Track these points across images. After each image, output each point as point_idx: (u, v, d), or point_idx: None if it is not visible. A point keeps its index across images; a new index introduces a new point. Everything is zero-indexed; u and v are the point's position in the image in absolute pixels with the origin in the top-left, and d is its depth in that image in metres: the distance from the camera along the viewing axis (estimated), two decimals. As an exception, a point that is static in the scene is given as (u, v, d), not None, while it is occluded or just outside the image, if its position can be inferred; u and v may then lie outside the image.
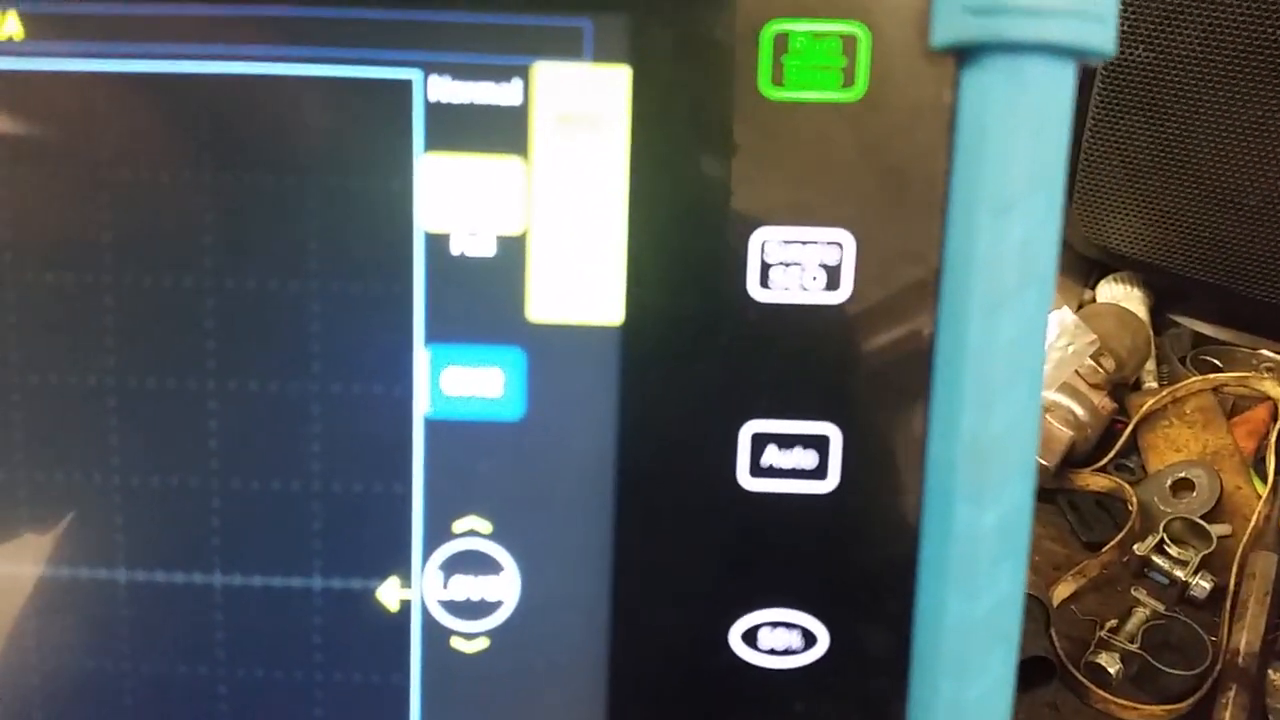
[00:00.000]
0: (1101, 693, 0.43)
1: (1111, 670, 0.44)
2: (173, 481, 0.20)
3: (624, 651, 0.21)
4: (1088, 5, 0.18)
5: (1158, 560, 0.49)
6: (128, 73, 0.19)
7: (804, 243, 0.19)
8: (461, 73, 0.19)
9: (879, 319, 0.19)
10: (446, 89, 0.19)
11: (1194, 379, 0.59)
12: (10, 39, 0.19)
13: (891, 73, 0.19)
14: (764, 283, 0.19)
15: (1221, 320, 0.66)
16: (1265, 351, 0.63)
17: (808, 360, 0.20)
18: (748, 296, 0.20)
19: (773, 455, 0.20)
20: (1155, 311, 0.65)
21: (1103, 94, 0.59)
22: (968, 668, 0.20)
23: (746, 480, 0.20)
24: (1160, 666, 0.44)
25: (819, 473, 0.20)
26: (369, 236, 0.20)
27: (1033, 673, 0.43)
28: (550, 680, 0.21)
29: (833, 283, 0.19)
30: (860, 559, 0.20)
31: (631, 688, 0.21)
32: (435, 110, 0.19)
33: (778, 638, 0.20)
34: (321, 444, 0.20)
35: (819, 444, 0.20)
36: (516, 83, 0.19)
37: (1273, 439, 0.55)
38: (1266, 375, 0.60)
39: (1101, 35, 0.18)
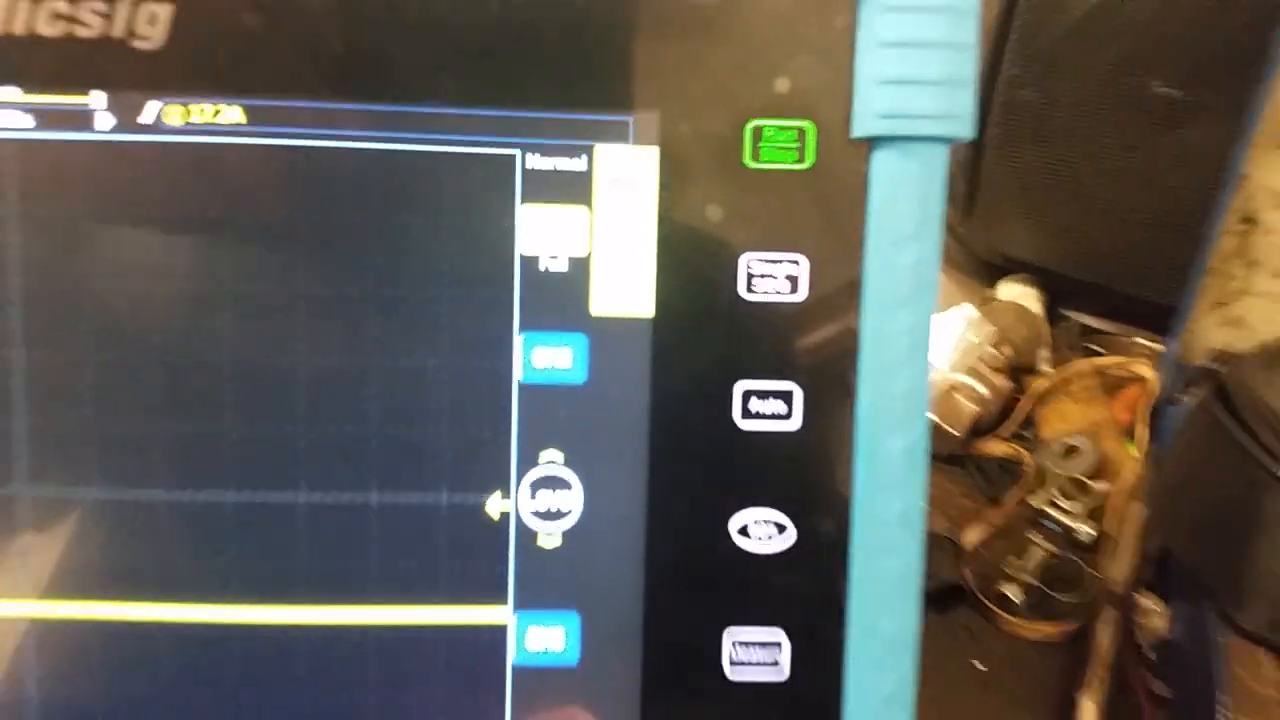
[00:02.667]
0: (1006, 615, 0.53)
1: (1014, 598, 0.54)
2: (347, 430, 0.29)
3: (655, 543, 0.30)
4: (954, 109, 0.28)
5: (1050, 511, 0.59)
6: (325, 147, 0.28)
7: (774, 262, 0.29)
8: (547, 151, 0.28)
9: (825, 313, 0.29)
10: (538, 161, 0.28)
11: (1080, 362, 0.70)
12: (237, 124, 0.28)
13: (829, 152, 0.28)
14: (749, 288, 0.29)
15: (1104, 314, 0.77)
16: (1140, 340, 0.74)
17: (779, 340, 0.29)
18: (738, 297, 0.29)
19: (756, 404, 0.29)
20: (1048, 307, 0.76)
21: (999, 127, 0.70)
22: (889, 549, 0.30)
23: (739, 421, 0.29)
24: (1052, 594, 0.54)
25: (787, 416, 0.30)
26: (484, 258, 0.29)
27: (948, 598, 0.53)
28: (604, 565, 0.30)
29: (795, 289, 0.29)
30: (815, 474, 0.30)
31: (661, 568, 0.30)
32: (530, 175, 0.29)
33: (761, 530, 0.30)
34: (449, 401, 0.29)
35: (787, 397, 0.29)
36: (583, 157, 0.29)
37: (1144, 412, 0.65)
38: (1141, 359, 0.71)
39: (964, 127, 0.28)
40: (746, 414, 0.29)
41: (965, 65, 0.28)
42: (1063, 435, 0.65)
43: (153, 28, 0.28)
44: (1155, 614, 0.53)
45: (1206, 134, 0.65)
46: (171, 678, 0.30)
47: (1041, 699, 0.49)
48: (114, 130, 0.28)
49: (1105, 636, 0.51)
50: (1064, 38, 0.66)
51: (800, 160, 0.28)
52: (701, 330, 0.29)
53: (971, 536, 0.58)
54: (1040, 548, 0.57)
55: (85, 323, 0.29)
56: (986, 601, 0.53)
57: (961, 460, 0.64)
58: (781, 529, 0.30)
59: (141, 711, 0.30)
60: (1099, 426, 0.66)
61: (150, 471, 0.29)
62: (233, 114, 0.28)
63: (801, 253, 0.29)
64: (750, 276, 0.29)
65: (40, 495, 0.29)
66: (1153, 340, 0.73)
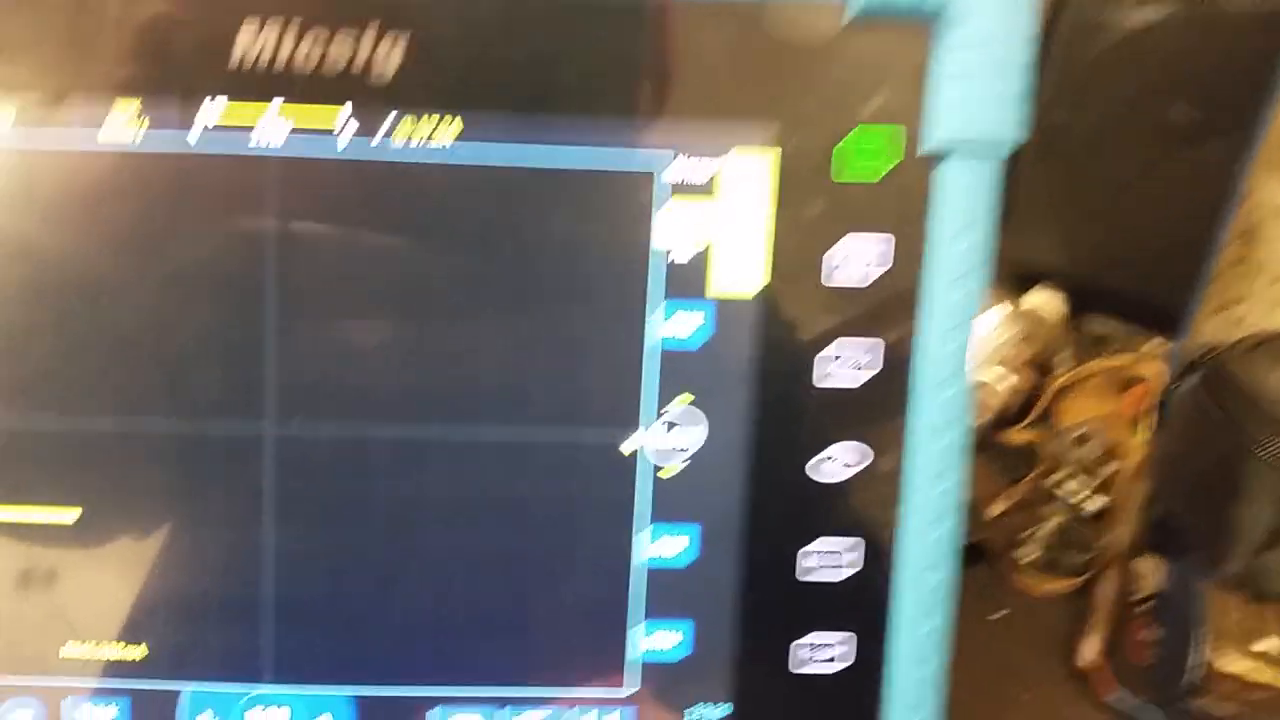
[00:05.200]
0: (1021, 574, 0.61)
1: (1030, 559, 0.62)
2: (527, 381, 0.37)
3: (756, 471, 0.38)
4: (1003, 131, 0.36)
5: (1062, 489, 0.67)
6: (521, 155, 0.36)
7: (858, 249, 0.37)
8: (687, 152, 0.36)
9: (895, 288, 0.37)
10: (678, 164, 0.36)
11: (1095, 362, 0.78)
12: (456, 134, 0.36)
13: (906, 161, 0.36)
14: (835, 271, 0.37)
15: (1121, 318, 0.84)
16: (1152, 341, 0.82)
17: (856, 312, 0.37)
18: (821, 283, 0.37)
19: (836, 361, 0.37)
20: (1070, 312, 0.84)
21: (1031, 148, 0.77)
22: (940, 474, 0.38)
23: (824, 375, 0.37)
24: (1063, 557, 0.62)
25: (861, 369, 0.37)
26: (632, 247, 0.37)
27: (971, 557, 0.61)
28: (719, 488, 0.38)
29: (873, 271, 0.37)
30: (882, 415, 0.38)
31: (760, 490, 0.38)
32: (670, 176, 0.36)
33: (835, 466, 0.38)
34: (603, 359, 0.37)
35: (861, 355, 0.37)
36: (714, 160, 0.36)
37: (1149, 404, 0.73)
38: (1151, 359, 0.79)
39: (1011, 145, 0.36)
40: (829, 369, 0.37)
41: (1013, 98, 0.36)
42: (1077, 424, 0.73)
43: (389, 58, 0.36)
44: (1151, 573, 0.61)
45: (1215, 155, 0.72)
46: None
47: (1049, 643, 0.57)
48: (356, 135, 0.36)
49: (1108, 591, 0.59)
50: (1092, 66, 0.73)
51: (884, 167, 0.36)
52: (792, 307, 0.37)
53: (994, 509, 0.66)
54: (1053, 518, 0.65)
55: (329, 287, 0.37)
56: (1003, 562, 0.61)
57: (988, 446, 0.72)
58: (854, 460, 0.38)
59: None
60: (1110, 418, 0.74)
61: (379, 409, 0.38)
62: (452, 127, 0.36)
63: (890, 232, 0.37)
64: (837, 263, 0.37)
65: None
66: (1163, 342, 0.81)
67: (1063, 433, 0.72)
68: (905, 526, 0.38)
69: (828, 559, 0.38)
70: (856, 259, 0.37)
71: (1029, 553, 0.62)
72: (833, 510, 0.38)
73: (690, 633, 0.39)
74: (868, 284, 0.37)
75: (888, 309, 0.37)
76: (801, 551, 0.38)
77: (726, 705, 0.39)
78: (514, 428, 0.38)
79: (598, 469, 0.38)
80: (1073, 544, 0.63)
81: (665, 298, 0.37)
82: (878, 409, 0.38)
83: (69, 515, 0.37)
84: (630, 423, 0.38)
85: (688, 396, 0.38)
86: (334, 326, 0.37)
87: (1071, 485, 0.67)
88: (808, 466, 0.38)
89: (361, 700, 0.39)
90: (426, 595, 0.39)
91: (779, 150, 0.36)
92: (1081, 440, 0.71)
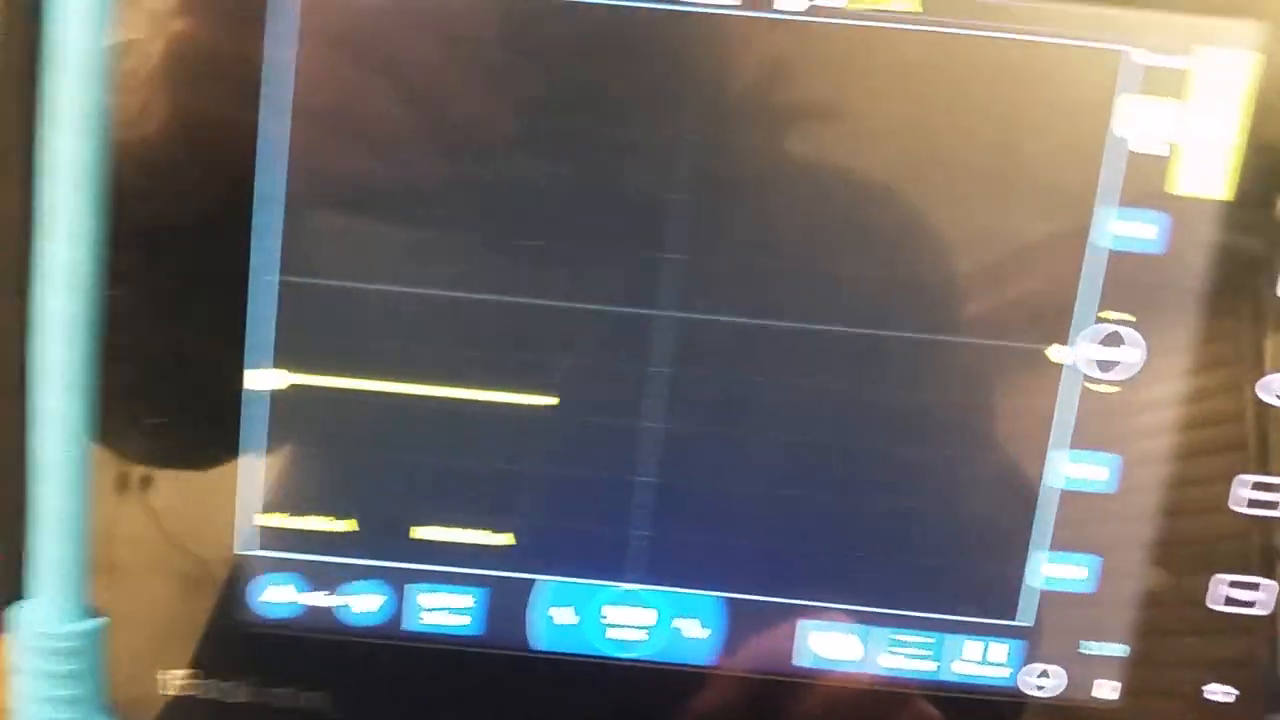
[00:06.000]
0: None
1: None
2: (937, 276, 0.35)
3: (1194, 400, 0.35)
4: None
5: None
6: (975, 36, 0.33)
7: None
8: (1152, 48, 0.33)
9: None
10: (1141, 57, 0.33)
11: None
12: (910, 12, 0.34)
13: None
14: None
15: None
16: None
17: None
18: None
19: None
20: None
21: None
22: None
23: (1285, 298, 0.34)
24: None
25: None
26: (1081, 139, 0.34)
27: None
28: (1150, 416, 0.35)
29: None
30: None
31: (1196, 423, 0.35)
32: (1131, 69, 0.33)
33: None
34: (1037, 252, 0.34)
35: None
36: (1184, 57, 0.33)
37: None
38: None
39: None
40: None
41: None
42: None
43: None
44: None
45: None
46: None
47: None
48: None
49: None
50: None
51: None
52: (1266, 215, 0.34)
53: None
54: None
55: (746, 161, 0.34)
56: None
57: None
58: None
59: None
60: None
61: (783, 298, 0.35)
62: (909, 3, 0.33)
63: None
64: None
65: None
66: None
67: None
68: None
69: (1261, 498, 0.35)
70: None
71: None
72: (1272, 447, 0.35)
73: (1097, 567, 0.36)
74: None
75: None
76: (1238, 479, 0.35)
77: (1124, 646, 0.37)
78: (930, 323, 0.35)
79: (1019, 376, 0.35)
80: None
81: (1119, 194, 0.34)
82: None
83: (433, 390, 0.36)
84: (1060, 330, 0.35)
85: (1130, 307, 0.35)
86: (746, 203, 0.35)
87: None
88: (1254, 397, 0.35)
89: (731, 605, 0.37)
90: (813, 498, 0.36)
91: (1262, 52, 0.33)
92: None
